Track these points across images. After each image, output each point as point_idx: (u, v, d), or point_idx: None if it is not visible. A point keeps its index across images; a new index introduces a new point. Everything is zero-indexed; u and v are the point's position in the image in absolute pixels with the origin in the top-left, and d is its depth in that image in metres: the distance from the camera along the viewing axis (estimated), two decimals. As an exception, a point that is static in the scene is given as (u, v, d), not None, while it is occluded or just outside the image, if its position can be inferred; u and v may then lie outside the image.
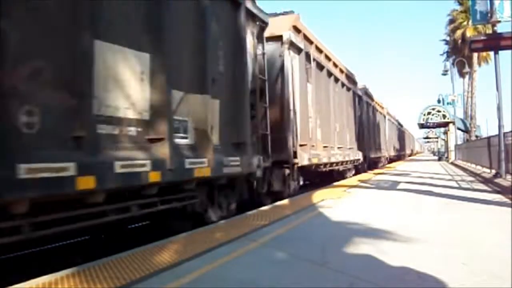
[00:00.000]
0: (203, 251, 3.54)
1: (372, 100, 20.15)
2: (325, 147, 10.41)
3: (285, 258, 3.34)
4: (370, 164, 18.08)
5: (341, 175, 13.32)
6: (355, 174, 14.89)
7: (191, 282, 2.76)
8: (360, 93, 16.49)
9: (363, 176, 13.92)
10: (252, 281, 2.78)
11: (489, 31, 10.92)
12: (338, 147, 11.86)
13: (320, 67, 10.62)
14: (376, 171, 17.29)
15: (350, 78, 14.60)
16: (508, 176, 9.29)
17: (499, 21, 10.31)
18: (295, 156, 8.06)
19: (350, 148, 13.62)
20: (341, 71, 13.32)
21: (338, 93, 12.39)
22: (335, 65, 12.49)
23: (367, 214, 5.47)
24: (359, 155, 14.96)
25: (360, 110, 16.35)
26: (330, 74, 11.57)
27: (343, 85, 13.23)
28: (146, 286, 2.72)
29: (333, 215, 5.42)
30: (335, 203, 6.62)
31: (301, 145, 8.59)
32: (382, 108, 24.36)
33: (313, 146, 9.38)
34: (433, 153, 63.74)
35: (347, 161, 13.08)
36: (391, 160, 27.32)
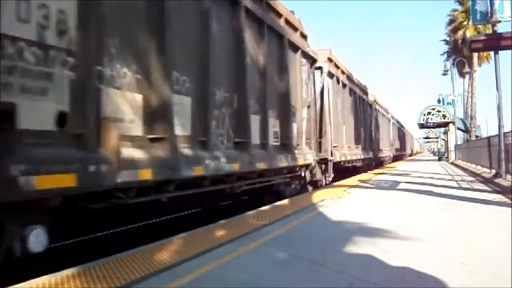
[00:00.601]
0: (203, 251, 3.54)
1: (343, 73, 13.13)
2: (202, 141, 4.85)
3: (285, 258, 3.34)
4: (340, 171, 11.86)
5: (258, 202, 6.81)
6: (307, 189, 9.12)
7: (191, 282, 2.76)
8: (313, 54, 9.45)
9: (363, 176, 13.89)
10: (252, 281, 2.78)
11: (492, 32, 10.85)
12: (261, 143, 6.48)
13: None
14: (376, 171, 17.26)
15: (300, 32, 8.51)
16: (508, 176, 9.29)
17: (499, 21, 10.32)
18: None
19: (282, 146, 7.39)
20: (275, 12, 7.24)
21: (243, 29, 5.96)
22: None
23: (367, 214, 5.47)
24: (310, 158, 8.71)
25: (319, 85, 10.21)
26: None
27: (279, 38, 7.39)
28: (146, 286, 2.72)
29: (333, 215, 5.42)
30: (335, 203, 6.62)
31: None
32: (366, 93, 18.07)
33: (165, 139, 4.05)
34: (433, 153, 63.75)
35: (270, 170, 6.81)
36: (381, 163, 21.67)
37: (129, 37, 3.89)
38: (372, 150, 18.49)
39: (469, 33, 27.96)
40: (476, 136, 28.66)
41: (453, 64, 32.04)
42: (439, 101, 32.18)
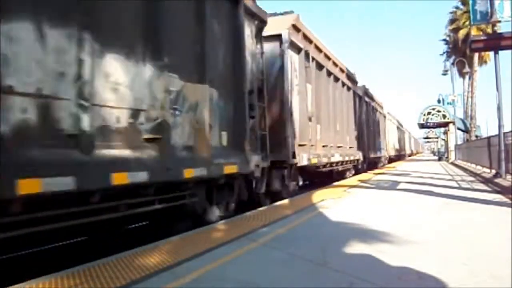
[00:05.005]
0: (203, 251, 3.55)
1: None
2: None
3: (285, 258, 3.34)
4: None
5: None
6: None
7: (191, 282, 2.76)
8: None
9: (363, 176, 13.90)
10: (252, 281, 2.78)
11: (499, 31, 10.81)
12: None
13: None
14: (376, 171, 17.27)
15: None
16: (508, 176, 9.29)
17: (499, 21, 10.31)
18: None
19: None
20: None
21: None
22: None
23: (367, 214, 5.47)
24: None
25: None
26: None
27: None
28: (146, 286, 2.72)
29: (333, 215, 5.42)
30: (335, 203, 6.62)
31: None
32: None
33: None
34: (433, 153, 63.72)
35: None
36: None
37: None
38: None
39: (474, 32, 27.88)
40: (476, 136, 28.63)
41: (453, 64, 32.01)
42: (439, 101, 32.13)
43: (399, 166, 22.61)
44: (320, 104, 10.19)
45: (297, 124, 8.37)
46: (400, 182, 10.81)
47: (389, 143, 25.87)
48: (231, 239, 4.02)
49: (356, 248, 3.59)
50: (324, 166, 10.40)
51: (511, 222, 4.49)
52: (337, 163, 11.65)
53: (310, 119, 9.19)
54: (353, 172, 14.87)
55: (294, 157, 7.84)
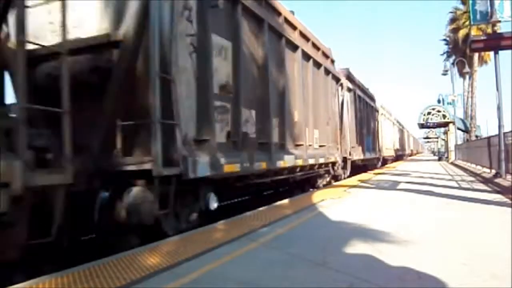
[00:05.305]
0: (203, 251, 3.55)
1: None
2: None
3: (285, 258, 3.34)
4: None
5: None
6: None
7: (191, 282, 2.77)
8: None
9: (363, 176, 13.89)
10: (252, 281, 2.78)
11: (500, 31, 10.81)
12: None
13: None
14: (376, 171, 17.27)
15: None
16: (508, 176, 9.29)
17: (499, 21, 10.31)
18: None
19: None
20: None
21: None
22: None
23: (367, 214, 5.47)
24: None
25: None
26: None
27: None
28: (146, 286, 2.72)
29: (333, 215, 5.42)
30: (335, 203, 6.62)
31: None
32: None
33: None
34: (433, 153, 63.75)
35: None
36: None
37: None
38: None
39: (474, 32, 27.85)
40: (476, 136, 28.64)
41: (453, 64, 32.02)
42: (439, 101, 32.19)
43: (399, 166, 22.60)
44: (253, 77, 6.44)
45: (189, 103, 4.74)
46: (400, 182, 10.81)
47: (383, 143, 22.52)
48: (231, 239, 4.02)
49: (356, 248, 3.59)
50: (260, 176, 6.55)
51: (511, 222, 4.49)
52: (291, 169, 7.78)
53: (225, 99, 5.50)
54: (327, 179, 11.14)
55: (172, 163, 4.23)
